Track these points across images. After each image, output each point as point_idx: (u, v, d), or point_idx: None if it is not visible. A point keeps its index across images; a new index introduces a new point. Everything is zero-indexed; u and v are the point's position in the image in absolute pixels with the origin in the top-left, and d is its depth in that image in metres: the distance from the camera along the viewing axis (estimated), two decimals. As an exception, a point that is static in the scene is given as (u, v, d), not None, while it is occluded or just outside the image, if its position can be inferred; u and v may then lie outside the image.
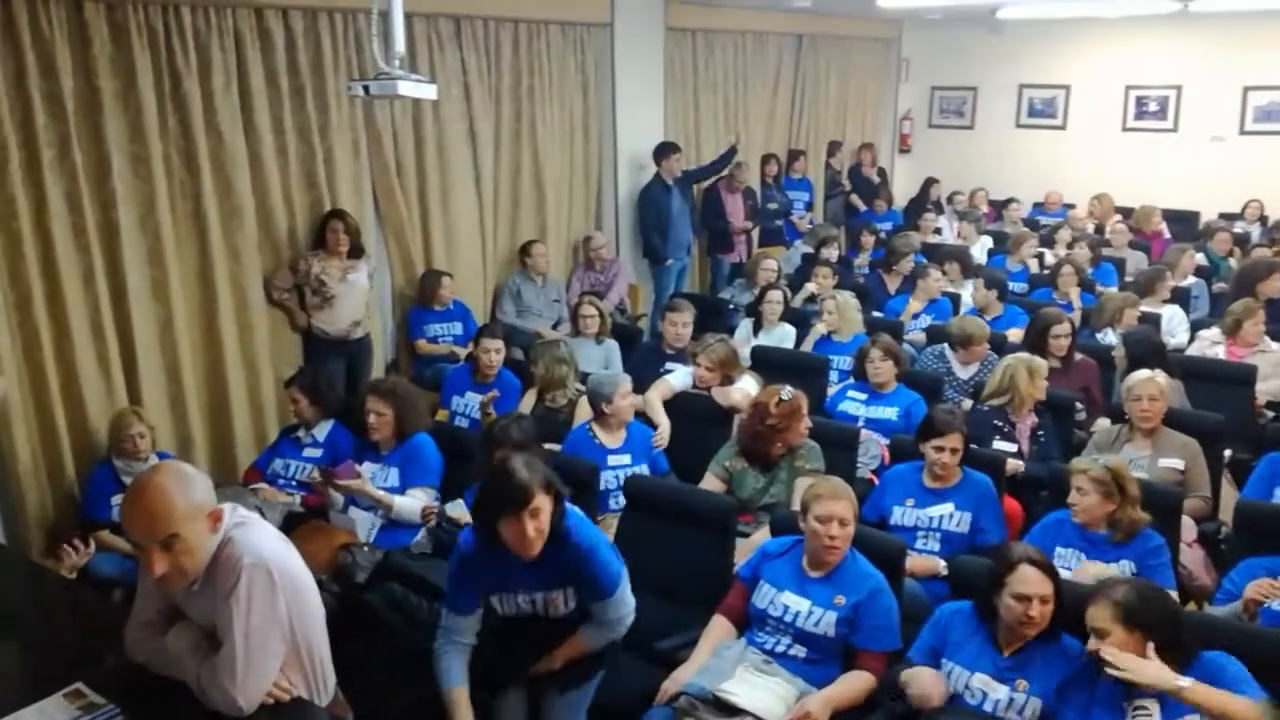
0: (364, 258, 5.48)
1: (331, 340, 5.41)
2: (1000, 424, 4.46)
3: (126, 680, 2.26)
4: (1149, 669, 2.48)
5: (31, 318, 4.35)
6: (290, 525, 3.91)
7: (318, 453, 4.40)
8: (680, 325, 5.41)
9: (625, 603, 2.86)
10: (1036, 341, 5.06)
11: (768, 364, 5.21)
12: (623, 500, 3.85)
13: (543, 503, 2.63)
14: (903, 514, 3.77)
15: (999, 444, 4.38)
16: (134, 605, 2.34)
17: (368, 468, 4.00)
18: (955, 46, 10.31)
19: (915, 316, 6.40)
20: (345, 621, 3.02)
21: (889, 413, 4.73)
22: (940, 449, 3.73)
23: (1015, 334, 5.65)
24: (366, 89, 3.78)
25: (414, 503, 3.87)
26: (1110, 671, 2.51)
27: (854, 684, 2.88)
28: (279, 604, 2.17)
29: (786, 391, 3.97)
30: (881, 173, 10.14)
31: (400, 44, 3.76)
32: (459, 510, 3.76)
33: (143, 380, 4.76)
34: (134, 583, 2.38)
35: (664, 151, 7.32)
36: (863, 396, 4.84)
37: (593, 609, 2.83)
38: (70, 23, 4.33)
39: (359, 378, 5.45)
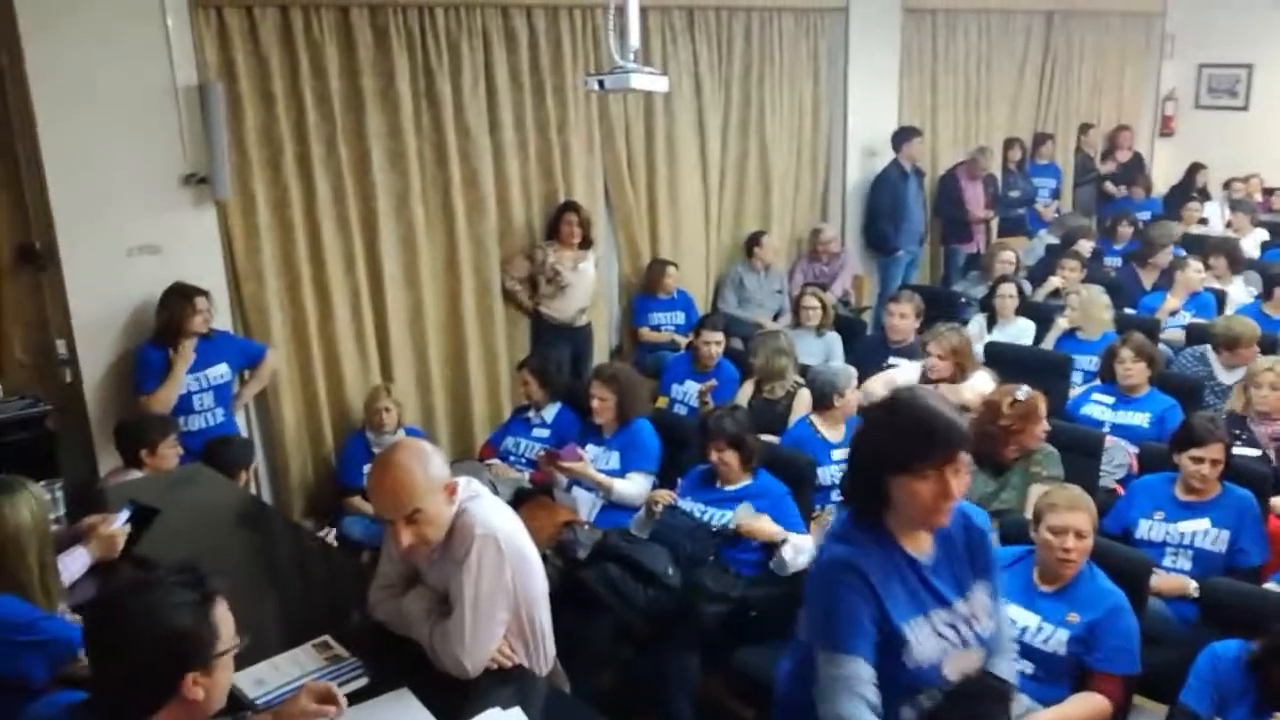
0: (592, 248, 5.65)
1: (558, 326, 5.61)
2: (1238, 431, 4.05)
3: (369, 637, 2.42)
4: None
5: (300, 300, 4.78)
6: (519, 501, 4.10)
7: (545, 433, 4.58)
8: (901, 317, 5.22)
9: None
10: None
11: (1003, 361, 4.93)
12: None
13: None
14: (1150, 528, 3.50)
15: (1239, 450, 3.94)
16: (377, 568, 2.51)
17: (591, 450, 4.14)
18: (1228, 20, 9.34)
19: (1173, 314, 5.87)
20: (565, 596, 3.14)
21: (1139, 418, 4.38)
22: (1199, 460, 3.43)
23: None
24: (601, 83, 3.88)
25: (633, 487, 3.96)
26: None
27: (1084, 706, 2.70)
28: (505, 574, 2.28)
29: (1022, 391, 3.75)
30: (1138, 157, 9.38)
31: (635, 38, 3.82)
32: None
33: (394, 359, 5.13)
34: (380, 545, 2.56)
35: (904, 136, 7.08)
36: (1110, 400, 4.50)
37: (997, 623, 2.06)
38: (338, 27, 4.68)
39: (582, 362, 5.65)
